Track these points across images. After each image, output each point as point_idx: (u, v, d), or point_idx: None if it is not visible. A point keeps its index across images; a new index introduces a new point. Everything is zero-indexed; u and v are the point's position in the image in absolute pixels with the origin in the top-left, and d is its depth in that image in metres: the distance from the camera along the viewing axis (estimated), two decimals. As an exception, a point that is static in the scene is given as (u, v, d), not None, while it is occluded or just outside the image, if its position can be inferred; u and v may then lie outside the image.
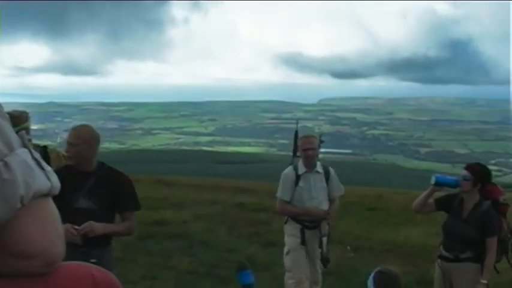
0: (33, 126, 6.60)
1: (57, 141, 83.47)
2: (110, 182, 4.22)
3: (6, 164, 0.95)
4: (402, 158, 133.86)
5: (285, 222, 6.05)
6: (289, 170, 5.79)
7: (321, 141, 6.34)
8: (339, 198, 5.99)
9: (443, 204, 5.27)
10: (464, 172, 5.04)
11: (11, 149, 0.98)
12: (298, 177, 5.70)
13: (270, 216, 11.28)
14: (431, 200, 5.30)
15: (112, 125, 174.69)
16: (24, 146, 1.02)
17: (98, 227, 4.01)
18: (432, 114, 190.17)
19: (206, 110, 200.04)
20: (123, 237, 8.75)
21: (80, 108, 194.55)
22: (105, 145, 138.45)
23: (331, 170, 5.87)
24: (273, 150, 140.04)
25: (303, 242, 5.67)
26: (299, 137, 6.05)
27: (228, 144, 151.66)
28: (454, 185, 5.09)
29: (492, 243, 4.94)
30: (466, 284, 5.02)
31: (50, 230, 1.04)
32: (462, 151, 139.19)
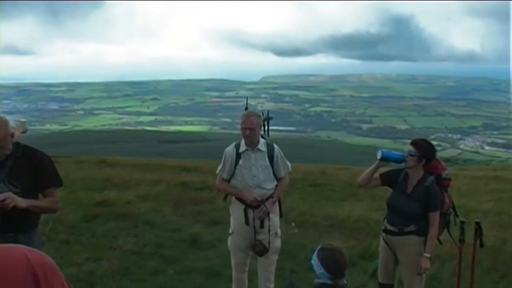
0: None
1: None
2: (28, 161, 4.05)
3: None
4: (345, 135, 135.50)
5: (224, 199, 6.00)
6: (230, 148, 5.64)
7: (270, 118, 6.24)
8: (288, 174, 5.83)
9: (388, 179, 5.33)
10: (410, 148, 5.10)
11: None
12: (238, 155, 5.55)
13: (214, 195, 11.29)
14: (376, 175, 5.34)
15: (53, 106, 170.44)
16: None
17: (20, 200, 3.83)
18: (373, 91, 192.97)
19: (148, 90, 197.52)
20: (67, 218, 8.57)
21: (19, 89, 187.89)
22: (46, 126, 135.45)
23: (276, 148, 5.66)
24: (216, 128, 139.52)
25: (247, 222, 5.57)
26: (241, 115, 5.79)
27: (171, 123, 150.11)
28: (400, 160, 5.14)
29: (435, 217, 5.05)
30: (409, 256, 5.13)
31: None
32: (403, 127, 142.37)
